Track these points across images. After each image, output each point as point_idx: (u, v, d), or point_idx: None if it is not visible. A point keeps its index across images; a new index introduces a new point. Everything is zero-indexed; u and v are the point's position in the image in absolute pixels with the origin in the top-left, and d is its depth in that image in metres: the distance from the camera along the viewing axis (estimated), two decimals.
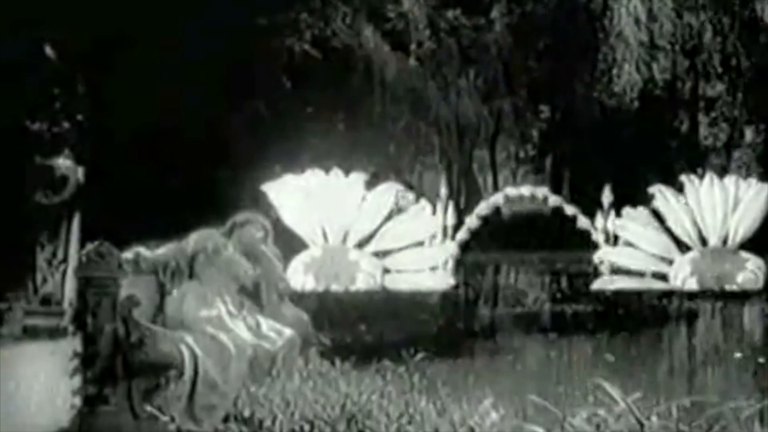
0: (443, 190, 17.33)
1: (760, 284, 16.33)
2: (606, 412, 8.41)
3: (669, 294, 15.77)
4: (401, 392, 9.18)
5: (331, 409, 8.63)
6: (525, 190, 17.79)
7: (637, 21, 21.61)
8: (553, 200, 17.52)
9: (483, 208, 17.63)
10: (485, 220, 17.68)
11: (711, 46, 18.88)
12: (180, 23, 17.48)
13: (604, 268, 16.87)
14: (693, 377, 11.04)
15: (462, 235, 17.27)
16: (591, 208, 17.30)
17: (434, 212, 17.12)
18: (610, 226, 17.10)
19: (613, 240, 17.08)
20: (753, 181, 17.30)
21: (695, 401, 8.82)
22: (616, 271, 16.73)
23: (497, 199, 17.72)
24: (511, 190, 17.90)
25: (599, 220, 17.20)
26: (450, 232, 17.10)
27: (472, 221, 17.44)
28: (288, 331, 10.33)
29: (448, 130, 17.29)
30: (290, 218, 16.08)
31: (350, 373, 9.67)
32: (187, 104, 16.96)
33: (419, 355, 10.09)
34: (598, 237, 17.17)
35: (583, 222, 17.27)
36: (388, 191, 16.60)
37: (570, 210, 17.42)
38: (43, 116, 8.82)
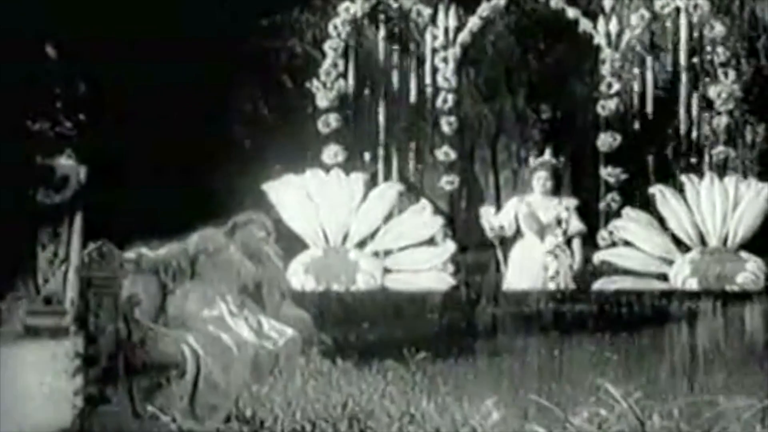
0: None
1: (760, 285, 16.25)
2: (607, 411, 8.45)
3: (670, 294, 15.72)
4: (403, 392, 9.20)
5: (332, 409, 8.66)
6: None
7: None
8: (555, 2, 17.31)
9: (485, 8, 17.31)
10: (487, 20, 17.34)
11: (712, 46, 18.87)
12: (180, 23, 17.46)
13: (604, 268, 16.79)
14: (694, 377, 11.03)
15: (464, 36, 17.06)
16: (593, 208, 17.24)
17: (435, 15, 17.06)
18: (612, 29, 17.07)
19: (615, 45, 17.06)
20: (753, 180, 17.18)
21: (696, 401, 8.83)
22: (616, 271, 16.65)
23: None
24: None
25: (601, 22, 17.14)
26: (452, 35, 16.96)
27: (474, 22, 17.19)
28: (290, 331, 10.35)
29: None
30: (290, 218, 16.04)
31: (352, 372, 9.68)
32: (188, 104, 16.94)
33: (421, 355, 10.10)
34: (600, 40, 17.10)
35: (585, 24, 17.13)
36: (389, 191, 16.56)
37: (572, 13, 17.26)
38: (44, 116, 8.83)
